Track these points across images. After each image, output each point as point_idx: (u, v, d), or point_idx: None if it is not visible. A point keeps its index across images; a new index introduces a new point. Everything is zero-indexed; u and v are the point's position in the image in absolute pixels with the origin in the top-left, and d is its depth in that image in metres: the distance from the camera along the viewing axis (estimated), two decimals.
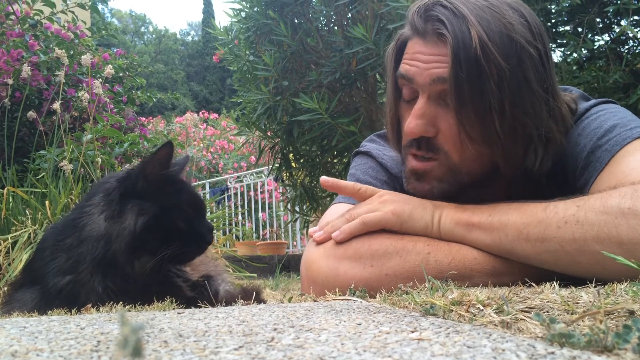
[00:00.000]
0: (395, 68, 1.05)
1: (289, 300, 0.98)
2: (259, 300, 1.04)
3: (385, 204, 0.98)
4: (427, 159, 1.01)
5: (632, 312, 0.56)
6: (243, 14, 2.99)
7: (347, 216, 1.01)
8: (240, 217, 6.99)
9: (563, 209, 0.85)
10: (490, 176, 1.03)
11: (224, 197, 7.13)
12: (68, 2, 3.64)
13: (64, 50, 2.99)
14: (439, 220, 0.96)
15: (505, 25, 0.93)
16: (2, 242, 1.96)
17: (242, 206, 7.00)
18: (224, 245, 4.21)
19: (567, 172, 1.03)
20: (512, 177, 1.02)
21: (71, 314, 0.88)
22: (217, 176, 8.11)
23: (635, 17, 2.30)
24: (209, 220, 1.17)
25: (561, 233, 0.83)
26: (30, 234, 2.00)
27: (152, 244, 1.01)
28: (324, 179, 1.07)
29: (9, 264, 1.89)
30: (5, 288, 1.23)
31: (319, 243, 1.02)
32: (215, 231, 1.14)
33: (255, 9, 2.86)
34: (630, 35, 2.30)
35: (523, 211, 0.89)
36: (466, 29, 0.91)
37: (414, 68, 0.99)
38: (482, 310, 0.62)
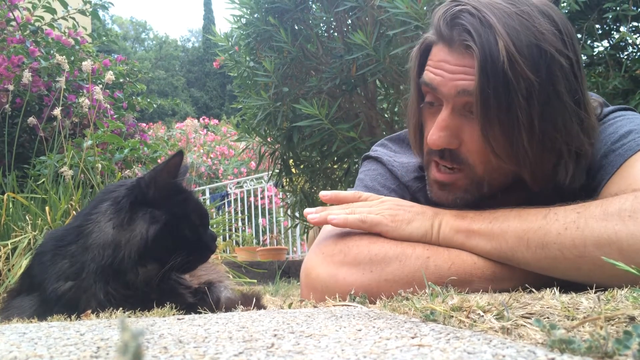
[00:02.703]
0: (419, 72, 1.02)
1: (289, 306, 0.98)
2: (259, 306, 1.04)
3: (386, 210, 0.98)
4: (451, 170, 1.00)
5: (632, 318, 0.56)
6: (243, 21, 3.00)
7: (347, 210, 1.00)
8: (240, 223, 6.99)
9: (563, 216, 0.85)
10: (514, 186, 1.01)
11: (224, 203, 7.13)
12: (69, 8, 3.65)
13: (64, 56, 3.00)
14: (438, 228, 0.95)
15: (535, 34, 0.89)
16: (2, 248, 1.96)
17: (242, 212, 7.00)
18: (224, 251, 4.20)
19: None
20: (540, 191, 0.98)
21: (71, 320, 0.87)
22: (217, 182, 8.11)
23: (634, 24, 2.31)
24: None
25: (561, 239, 0.83)
26: (30, 239, 2.00)
27: (160, 252, 1.02)
28: (323, 193, 1.05)
29: (9, 270, 1.89)
30: (4, 295, 1.22)
31: (314, 225, 1.01)
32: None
33: (255, 16, 2.87)
34: (630, 41, 2.31)
35: (523, 218, 0.89)
36: (493, 40, 0.87)
37: (439, 77, 0.96)
38: (483, 316, 0.62)
